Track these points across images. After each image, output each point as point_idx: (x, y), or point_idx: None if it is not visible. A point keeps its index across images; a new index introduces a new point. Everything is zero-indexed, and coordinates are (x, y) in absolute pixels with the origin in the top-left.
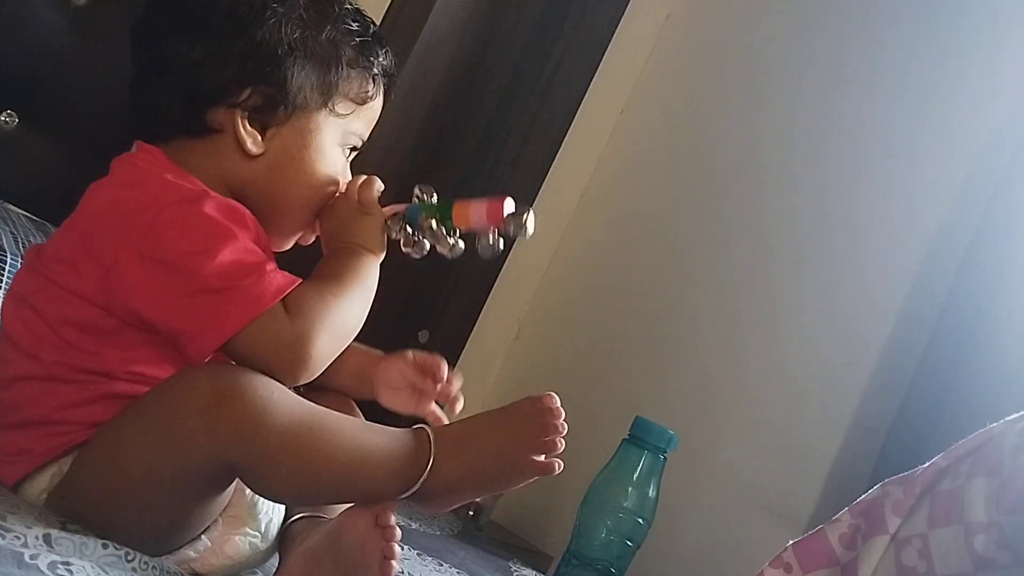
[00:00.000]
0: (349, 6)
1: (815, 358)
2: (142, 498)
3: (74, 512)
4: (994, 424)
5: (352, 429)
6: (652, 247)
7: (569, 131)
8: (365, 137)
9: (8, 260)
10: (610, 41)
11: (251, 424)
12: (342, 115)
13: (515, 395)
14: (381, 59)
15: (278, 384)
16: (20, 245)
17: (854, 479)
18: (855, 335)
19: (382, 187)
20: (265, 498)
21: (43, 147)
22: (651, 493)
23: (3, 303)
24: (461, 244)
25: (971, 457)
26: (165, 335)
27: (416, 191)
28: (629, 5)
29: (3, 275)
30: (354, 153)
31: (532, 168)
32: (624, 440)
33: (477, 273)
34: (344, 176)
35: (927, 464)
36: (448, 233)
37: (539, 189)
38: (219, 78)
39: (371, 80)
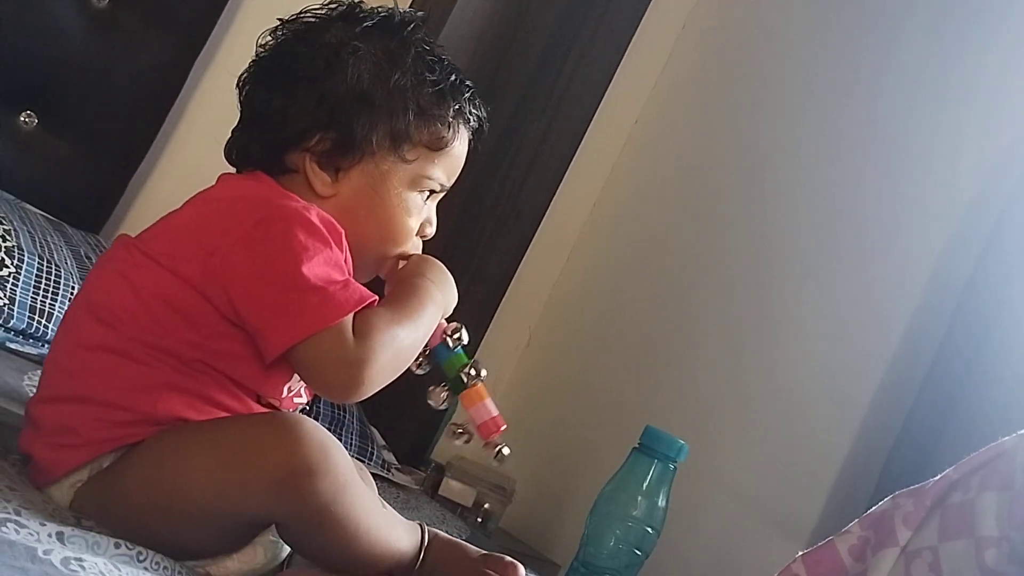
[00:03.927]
0: (431, 56)
1: (822, 371)
2: (186, 524)
3: (103, 507)
4: (1006, 438)
5: (387, 527)
6: (664, 257)
7: (583, 141)
8: (446, 182)
9: (26, 259)
10: (625, 51)
11: (321, 505)
12: (411, 160)
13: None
14: (461, 106)
15: (352, 467)
16: (38, 244)
17: (858, 493)
18: (862, 349)
19: None
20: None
21: (62, 148)
22: (660, 502)
23: (90, 274)
24: (445, 406)
25: (982, 470)
26: (248, 328)
27: (449, 334)
28: (644, 16)
29: (20, 273)
30: (436, 196)
31: (545, 178)
32: (634, 449)
33: (489, 281)
34: (427, 220)
35: (938, 477)
36: (446, 397)
37: (552, 198)
38: (295, 125)
39: (447, 127)
